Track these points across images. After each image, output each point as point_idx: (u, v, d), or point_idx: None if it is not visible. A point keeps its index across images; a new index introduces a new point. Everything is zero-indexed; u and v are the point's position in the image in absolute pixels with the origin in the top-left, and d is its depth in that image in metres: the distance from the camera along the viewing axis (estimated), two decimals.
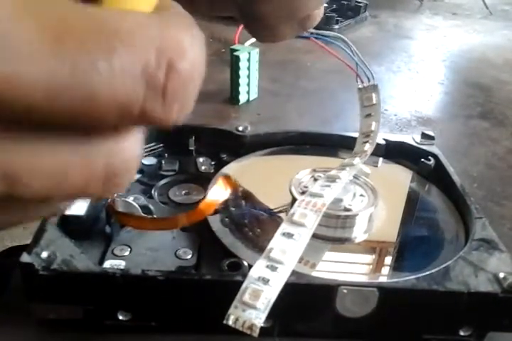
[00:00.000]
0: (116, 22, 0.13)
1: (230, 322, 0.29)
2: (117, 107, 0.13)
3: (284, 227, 0.34)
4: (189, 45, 0.14)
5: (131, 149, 0.15)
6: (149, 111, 0.13)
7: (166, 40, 0.13)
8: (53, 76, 0.12)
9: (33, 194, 0.13)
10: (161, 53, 0.13)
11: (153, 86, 0.13)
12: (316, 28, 0.43)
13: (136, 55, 0.13)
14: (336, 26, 1.02)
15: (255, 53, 0.70)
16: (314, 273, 0.37)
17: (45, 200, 0.14)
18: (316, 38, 0.39)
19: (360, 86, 0.42)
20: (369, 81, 0.42)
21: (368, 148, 0.44)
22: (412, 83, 0.88)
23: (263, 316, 0.29)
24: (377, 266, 0.42)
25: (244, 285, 0.30)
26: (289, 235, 0.34)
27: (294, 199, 0.42)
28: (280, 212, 0.45)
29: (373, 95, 0.42)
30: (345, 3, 1.10)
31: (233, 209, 0.44)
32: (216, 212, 0.42)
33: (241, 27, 0.91)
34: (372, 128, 0.43)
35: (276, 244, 0.33)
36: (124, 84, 0.12)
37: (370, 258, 0.43)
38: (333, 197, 0.38)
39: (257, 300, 0.30)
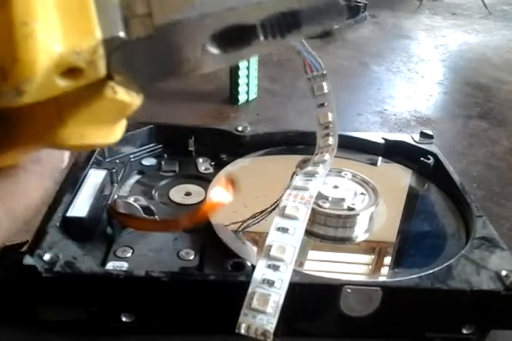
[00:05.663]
0: None
1: (243, 331, 0.29)
2: None
3: (277, 222, 0.34)
4: None
5: None
6: None
7: None
8: None
9: None
10: None
11: None
12: None
13: None
14: (336, 26, 1.02)
15: None
16: (316, 273, 0.37)
17: None
18: None
19: (309, 76, 0.41)
20: (318, 71, 0.41)
21: (332, 141, 0.43)
22: (412, 83, 0.88)
23: (274, 320, 0.29)
24: (380, 265, 0.42)
25: (250, 291, 0.30)
26: (284, 229, 0.33)
27: None
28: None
29: (324, 84, 0.41)
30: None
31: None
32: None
33: None
34: (330, 118, 0.42)
35: (273, 239, 0.33)
36: None
37: (371, 257, 0.43)
38: (318, 190, 0.38)
39: (266, 304, 0.29)
